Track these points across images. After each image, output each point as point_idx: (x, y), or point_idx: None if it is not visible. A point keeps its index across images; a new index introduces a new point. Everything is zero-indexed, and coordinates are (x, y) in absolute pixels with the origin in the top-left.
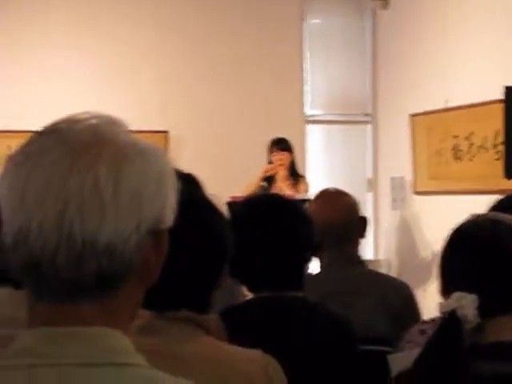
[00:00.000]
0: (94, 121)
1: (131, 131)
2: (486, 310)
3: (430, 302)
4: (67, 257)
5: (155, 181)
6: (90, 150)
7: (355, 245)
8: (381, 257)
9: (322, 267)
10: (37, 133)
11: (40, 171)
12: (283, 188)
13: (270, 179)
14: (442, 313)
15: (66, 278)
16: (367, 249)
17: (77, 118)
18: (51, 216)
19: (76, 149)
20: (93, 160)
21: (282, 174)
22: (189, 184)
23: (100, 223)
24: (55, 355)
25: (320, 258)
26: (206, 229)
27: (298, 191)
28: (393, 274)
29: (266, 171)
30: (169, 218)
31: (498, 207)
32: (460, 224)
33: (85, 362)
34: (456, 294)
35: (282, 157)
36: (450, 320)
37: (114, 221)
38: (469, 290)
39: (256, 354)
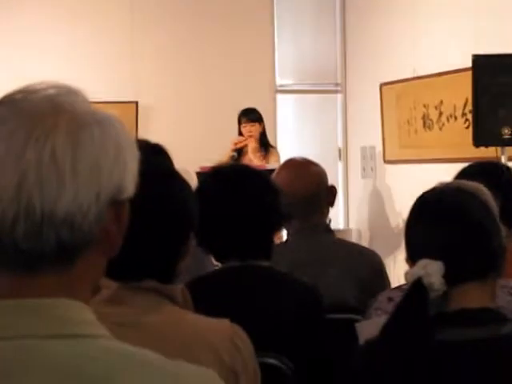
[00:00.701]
0: (51, 91)
1: (101, 102)
2: (452, 278)
3: (400, 270)
4: (26, 228)
5: (114, 150)
6: (47, 119)
7: (323, 214)
8: (351, 226)
9: (289, 236)
10: None
11: None
12: (253, 160)
13: (240, 151)
14: (408, 281)
15: (26, 250)
16: (338, 218)
17: (33, 87)
18: (9, 188)
19: (32, 119)
20: (50, 130)
21: (251, 145)
22: (156, 154)
23: (58, 193)
24: (14, 327)
25: (287, 228)
26: (168, 198)
27: (268, 162)
28: (363, 243)
29: (236, 144)
30: (129, 188)
31: (462, 175)
32: (424, 192)
33: (44, 334)
34: (422, 262)
35: (251, 128)
36: (415, 288)
37: (72, 191)
38: (434, 257)
39: (222, 323)
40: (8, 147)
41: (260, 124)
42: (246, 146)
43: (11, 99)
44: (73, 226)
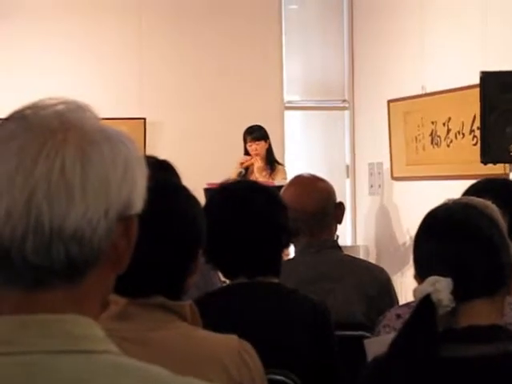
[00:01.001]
0: (60, 106)
1: (109, 118)
2: (461, 294)
3: (407, 287)
4: (35, 243)
5: (122, 166)
6: (57, 135)
7: (331, 231)
8: (359, 243)
9: (296, 253)
10: (2, 119)
11: (5, 158)
12: (260, 179)
13: (246, 169)
14: (417, 297)
15: (35, 265)
16: (345, 235)
17: (43, 103)
18: (18, 203)
19: (42, 134)
20: (59, 145)
21: (257, 165)
22: (164, 170)
23: (67, 209)
24: (23, 343)
25: (295, 244)
26: (177, 214)
27: (274, 180)
28: (371, 259)
29: (242, 163)
30: (138, 203)
31: (471, 192)
32: (433, 208)
33: (53, 350)
34: (430, 279)
35: (257, 146)
36: (424, 304)
37: (81, 206)
38: (443, 274)
39: (231, 339)
40: (18, 163)
41: (266, 141)
42: (252, 164)
43: (21, 115)
44: (82, 241)
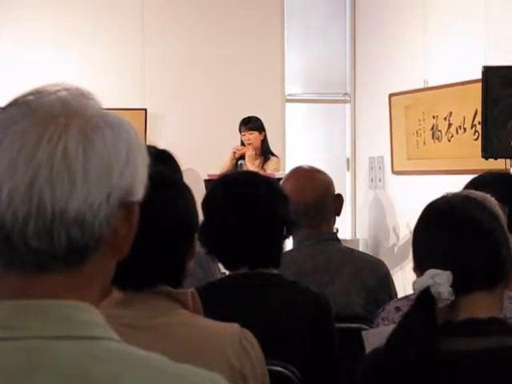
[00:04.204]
0: (63, 93)
1: (110, 109)
2: (460, 287)
3: (406, 281)
4: (37, 227)
5: (125, 152)
6: (59, 120)
7: (330, 222)
8: (358, 236)
9: (295, 245)
10: (5, 105)
11: (8, 142)
12: (250, 168)
13: (241, 159)
14: (416, 290)
15: (36, 248)
16: (345, 228)
17: (46, 89)
18: (20, 186)
19: (45, 119)
20: (62, 130)
21: (248, 154)
22: (164, 160)
23: (69, 193)
24: (23, 328)
25: (294, 236)
26: (168, 203)
27: (266, 170)
28: (370, 253)
29: (235, 152)
30: (139, 190)
31: (471, 185)
32: (433, 201)
33: (52, 335)
34: (430, 272)
35: (250, 136)
36: (423, 297)
37: (83, 190)
38: (442, 267)
39: (233, 327)
40: (20, 147)
41: (260, 133)
42: (244, 154)
43: (23, 100)
44: (83, 225)
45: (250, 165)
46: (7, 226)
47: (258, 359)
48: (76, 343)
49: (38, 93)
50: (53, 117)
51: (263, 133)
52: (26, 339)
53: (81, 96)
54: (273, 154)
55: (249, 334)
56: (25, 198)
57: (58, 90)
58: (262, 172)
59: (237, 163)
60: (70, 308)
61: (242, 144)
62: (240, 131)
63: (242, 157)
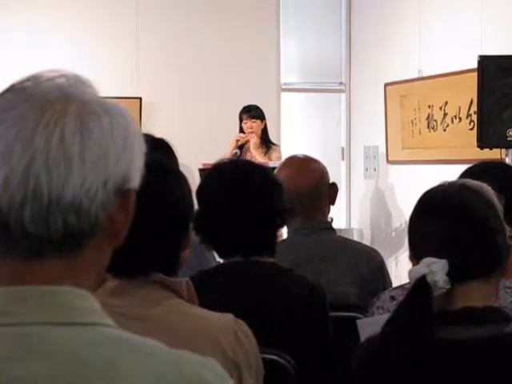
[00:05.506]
0: (60, 79)
1: (104, 97)
2: (456, 276)
3: (401, 270)
4: (33, 212)
5: (121, 139)
6: (56, 106)
7: (324, 211)
8: (353, 226)
9: (289, 234)
10: (2, 90)
11: (5, 127)
12: (256, 156)
13: (241, 148)
14: (412, 279)
15: (32, 234)
16: (340, 218)
17: (43, 75)
18: (17, 171)
19: (42, 105)
20: (59, 116)
21: (253, 141)
22: (160, 149)
23: (66, 178)
24: (19, 314)
25: (288, 225)
26: (164, 192)
27: (270, 159)
28: (365, 242)
29: (238, 140)
30: (136, 178)
31: (467, 175)
32: (429, 190)
33: (49, 321)
34: (426, 260)
35: (252, 124)
36: (419, 285)
37: (79, 176)
38: (438, 255)
39: (226, 317)
40: (17, 132)
41: (261, 121)
42: (247, 142)
43: (21, 86)
44: (79, 211)
45: (255, 152)
46: (3, 211)
47: (252, 349)
48: (73, 329)
49: (35, 79)
50: (50, 102)
51: (264, 121)
52: (23, 325)
53: (78, 83)
54: (273, 144)
55: (243, 325)
56: (21, 182)
57: (56, 77)
58: (267, 160)
59: (235, 153)
60: (67, 294)
61: (241, 132)
62: (241, 119)
63: (240, 147)
